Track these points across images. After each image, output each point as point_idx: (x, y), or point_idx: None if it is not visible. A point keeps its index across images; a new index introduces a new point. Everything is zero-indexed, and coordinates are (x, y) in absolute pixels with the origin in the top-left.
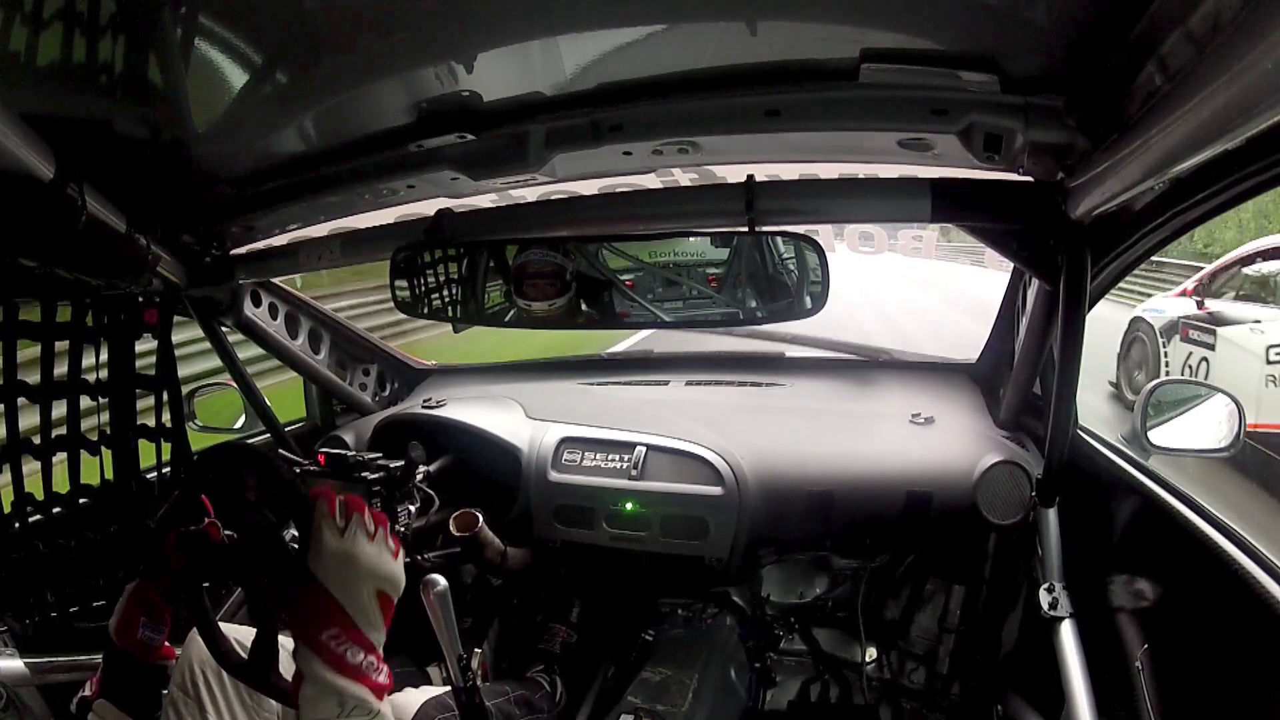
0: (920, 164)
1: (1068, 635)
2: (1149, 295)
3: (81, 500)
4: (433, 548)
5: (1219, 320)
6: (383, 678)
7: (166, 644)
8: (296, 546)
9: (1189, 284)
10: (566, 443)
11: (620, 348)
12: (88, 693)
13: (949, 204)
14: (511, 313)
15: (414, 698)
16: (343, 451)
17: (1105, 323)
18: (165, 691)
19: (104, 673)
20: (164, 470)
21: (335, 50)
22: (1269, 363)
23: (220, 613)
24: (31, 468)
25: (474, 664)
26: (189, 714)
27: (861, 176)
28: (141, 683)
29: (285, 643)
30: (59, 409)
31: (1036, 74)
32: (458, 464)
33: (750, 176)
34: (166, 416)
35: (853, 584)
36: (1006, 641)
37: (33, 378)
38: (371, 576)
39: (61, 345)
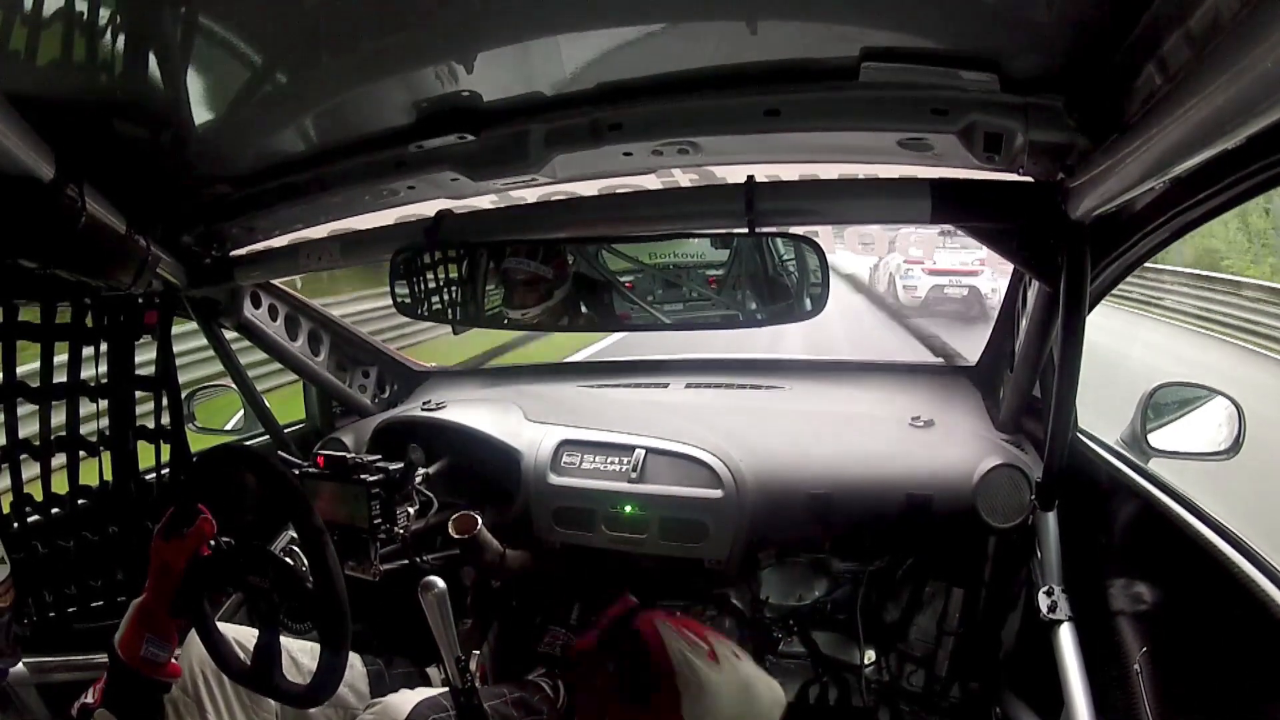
0: (920, 164)
1: (1067, 638)
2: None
3: (80, 501)
4: (431, 550)
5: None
6: None
7: (174, 661)
8: (297, 550)
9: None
10: (565, 445)
11: (599, 347)
12: (89, 700)
13: (949, 204)
14: (509, 316)
15: (408, 698)
16: (342, 453)
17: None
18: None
19: (107, 683)
20: (163, 472)
21: (335, 50)
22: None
23: (219, 613)
24: (32, 469)
25: (472, 666)
26: (189, 715)
27: (861, 177)
28: (143, 696)
29: (286, 644)
30: (58, 410)
31: (1036, 73)
32: (457, 466)
33: (750, 177)
34: (166, 418)
35: (852, 586)
36: (1005, 644)
37: (32, 379)
38: (773, 708)
39: (61, 346)
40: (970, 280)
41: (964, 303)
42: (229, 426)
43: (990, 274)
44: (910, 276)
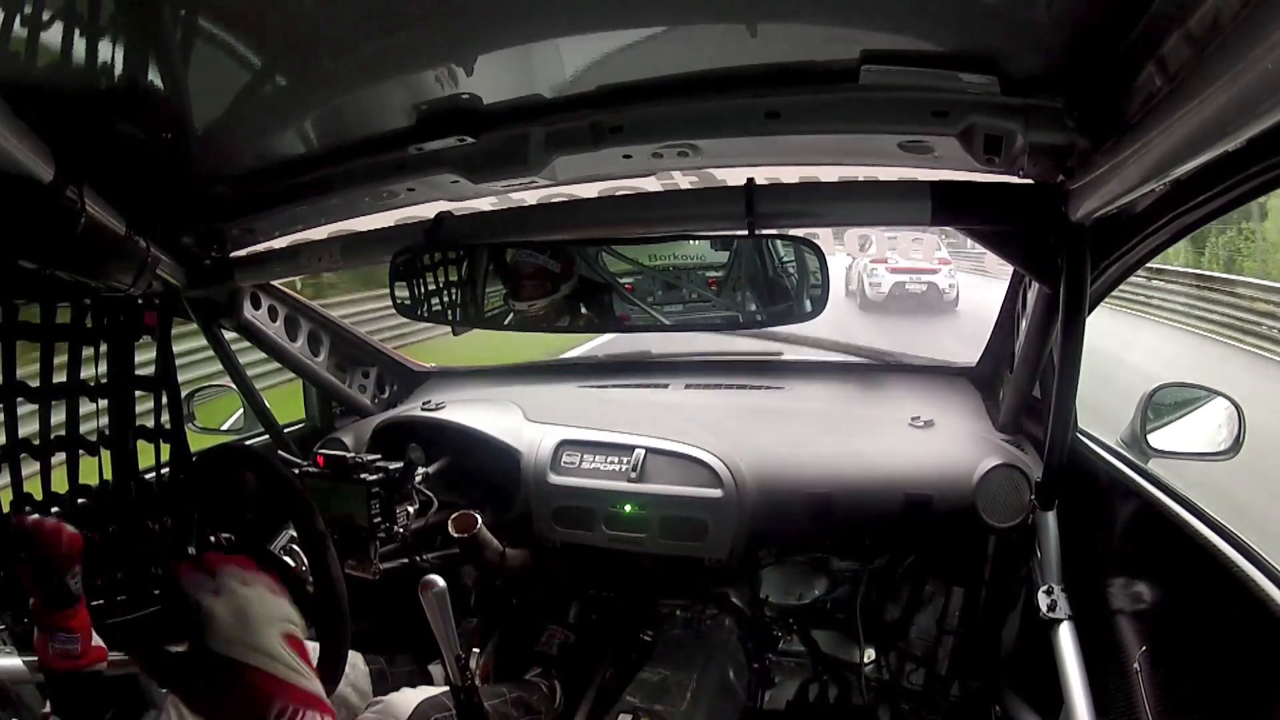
0: (920, 166)
1: (1066, 637)
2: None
3: (80, 501)
4: (431, 549)
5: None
6: None
7: (92, 646)
8: (297, 549)
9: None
10: (565, 445)
11: (587, 347)
12: (45, 710)
13: (949, 206)
14: (510, 316)
15: (410, 697)
16: (341, 453)
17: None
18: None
19: (50, 693)
20: (163, 471)
21: (335, 51)
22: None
23: None
24: (31, 468)
25: (473, 664)
26: (190, 714)
27: (862, 179)
28: (79, 692)
29: None
30: (58, 410)
31: (1036, 75)
32: (457, 466)
33: (750, 179)
34: (166, 418)
35: (851, 585)
36: (1005, 643)
37: (32, 379)
38: (270, 621)
39: (61, 346)
40: (929, 277)
41: (923, 297)
42: (228, 426)
43: (947, 271)
44: (875, 274)
